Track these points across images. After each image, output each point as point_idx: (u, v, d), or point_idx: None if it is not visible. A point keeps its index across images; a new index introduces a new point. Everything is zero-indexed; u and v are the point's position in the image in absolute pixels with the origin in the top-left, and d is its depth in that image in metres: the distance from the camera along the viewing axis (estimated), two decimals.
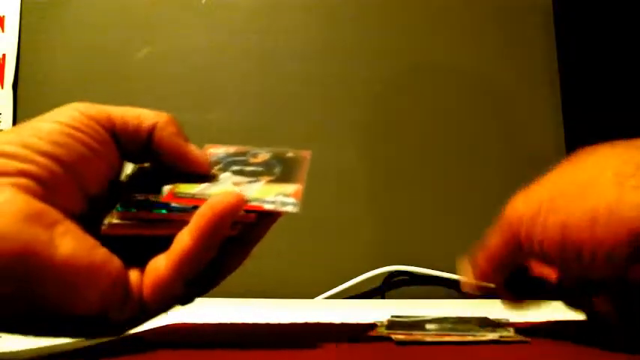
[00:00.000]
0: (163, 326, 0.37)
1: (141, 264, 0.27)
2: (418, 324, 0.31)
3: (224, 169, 0.31)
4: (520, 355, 0.24)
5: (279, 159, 0.32)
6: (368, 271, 0.75)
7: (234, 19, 0.86)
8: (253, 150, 0.33)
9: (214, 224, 0.25)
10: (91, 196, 0.27)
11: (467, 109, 0.81)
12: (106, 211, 0.27)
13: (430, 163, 0.80)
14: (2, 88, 0.87)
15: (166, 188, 0.28)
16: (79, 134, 0.26)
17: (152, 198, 0.28)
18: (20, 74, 0.88)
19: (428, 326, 0.30)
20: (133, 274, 0.26)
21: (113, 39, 0.88)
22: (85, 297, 0.24)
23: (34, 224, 0.23)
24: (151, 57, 0.87)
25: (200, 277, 0.27)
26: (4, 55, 0.88)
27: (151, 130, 0.29)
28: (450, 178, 0.79)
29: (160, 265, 0.26)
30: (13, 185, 0.23)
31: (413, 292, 0.76)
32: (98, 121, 0.27)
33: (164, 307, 0.27)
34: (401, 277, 0.78)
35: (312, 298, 0.73)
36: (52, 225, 0.23)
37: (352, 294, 0.76)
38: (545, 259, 0.27)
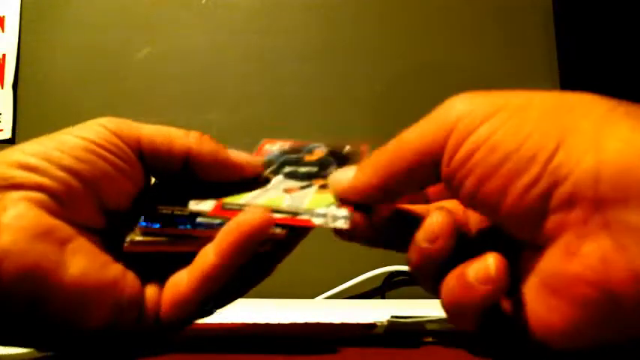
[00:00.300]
0: None
1: (160, 278, 0.26)
2: (418, 324, 0.31)
3: (277, 171, 0.29)
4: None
5: (335, 155, 0.29)
6: (368, 271, 0.75)
7: (234, 19, 0.86)
8: (309, 145, 0.31)
9: (240, 244, 0.24)
10: (112, 213, 0.26)
11: None
12: (128, 227, 0.26)
13: None
14: (2, 88, 0.87)
15: (211, 202, 0.27)
16: (102, 152, 0.25)
17: (177, 211, 0.26)
18: (20, 74, 0.88)
19: (428, 326, 0.30)
20: (151, 290, 0.25)
21: (113, 39, 0.88)
22: (93, 315, 0.23)
23: (45, 241, 0.22)
24: (151, 57, 0.87)
25: (221, 291, 0.26)
26: (4, 55, 0.88)
27: (184, 154, 0.27)
28: None
29: (181, 281, 0.25)
30: (28, 200, 0.23)
31: (413, 292, 0.76)
32: (125, 141, 0.26)
33: (182, 324, 0.26)
34: (401, 277, 0.77)
35: (312, 298, 0.73)
36: (63, 242, 0.23)
37: (352, 294, 0.76)
38: (460, 182, 0.21)
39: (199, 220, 0.26)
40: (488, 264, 0.21)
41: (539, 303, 0.20)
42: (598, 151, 0.18)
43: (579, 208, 0.19)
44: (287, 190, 0.27)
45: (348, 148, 0.30)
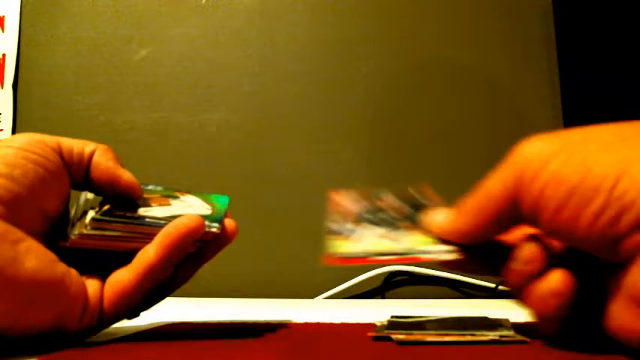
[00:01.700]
0: (162, 325, 0.37)
1: (96, 274, 0.29)
2: (418, 324, 0.31)
3: (360, 219, 0.32)
4: (519, 355, 0.24)
5: (407, 200, 0.34)
6: (368, 271, 0.75)
7: (234, 19, 0.86)
8: (375, 192, 0.35)
9: (178, 243, 0.28)
10: (49, 215, 0.29)
11: (467, 108, 0.81)
12: (62, 229, 0.30)
13: (430, 161, 0.80)
14: (2, 88, 0.87)
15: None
16: (32, 156, 0.28)
17: (129, 214, 0.30)
18: (20, 74, 0.88)
19: (428, 326, 0.30)
20: (93, 286, 0.28)
21: (113, 39, 0.88)
22: (44, 311, 0.25)
23: (0, 242, 0.24)
24: (151, 57, 0.87)
25: (158, 288, 0.29)
26: (4, 55, 0.88)
27: (90, 157, 0.31)
28: (450, 177, 0.79)
29: (123, 278, 0.28)
30: None
31: (413, 292, 0.76)
32: (48, 144, 0.29)
33: (120, 317, 0.29)
34: (401, 277, 0.78)
35: (312, 298, 0.73)
36: (15, 242, 0.25)
37: (352, 294, 0.76)
38: (538, 216, 0.24)
39: (148, 220, 0.30)
40: (554, 279, 0.24)
41: (626, 313, 0.22)
42: None
43: None
44: (382, 236, 0.30)
45: (412, 191, 0.34)
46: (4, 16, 0.89)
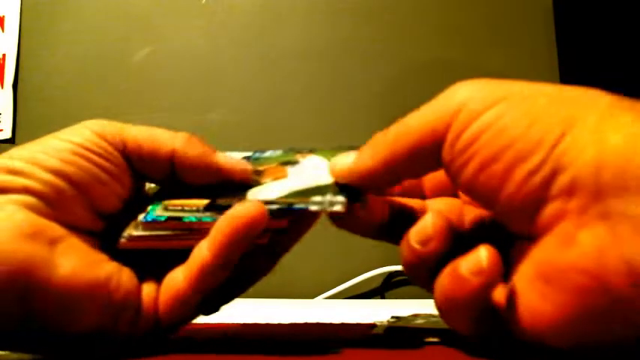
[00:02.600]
0: None
1: (158, 276, 0.26)
2: (417, 331, 0.31)
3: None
4: (519, 355, 0.24)
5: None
6: (368, 271, 0.75)
7: (234, 19, 0.86)
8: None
9: (233, 239, 0.24)
10: (105, 215, 0.26)
11: None
12: (121, 228, 0.26)
13: None
14: (2, 88, 0.87)
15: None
16: (89, 154, 0.25)
17: (186, 207, 0.26)
18: (20, 74, 0.88)
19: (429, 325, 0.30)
20: (148, 288, 0.25)
21: (113, 39, 0.88)
22: (86, 315, 0.23)
23: (33, 242, 0.23)
24: (151, 57, 0.87)
25: (222, 287, 0.26)
26: (4, 55, 0.88)
27: (170, 156, 0.27)
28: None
29: (178, 279, 0.25)
30: (15, 202, 0.23)
31: (413, 292, 0.76)
32: (110, 142, 0.26)
33: (182, 322, 0.26)
34: (401, 277, 0.78)
35: (312, 298, 0.73)
36: (53, 242, 0.23)
37: (352, 294, 0.76)
38: (461, 167, 0.21)
39: (203, 215, 0.26)
40: (479, 255, 0.21)
41: (532, 293, 0.20)
42: (601, 141, 0.18)
43: (579, 196, 0.19)
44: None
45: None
46: (4, 16, 0.89)
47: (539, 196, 0.19)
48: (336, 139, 0.82)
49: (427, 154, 0.22)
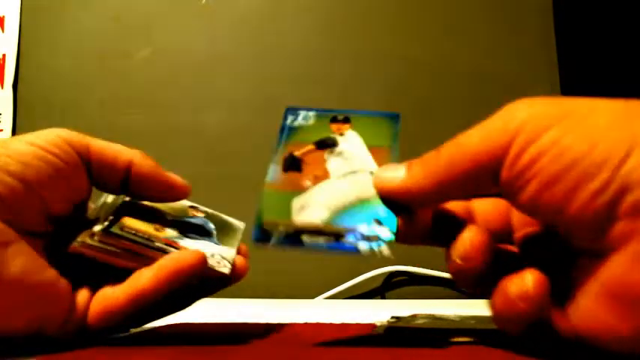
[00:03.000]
0: (162, 326, 0.37)
1: (89, 284, 0.28)
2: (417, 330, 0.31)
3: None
4: (518, 355, 0.24)
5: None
6: (368, 271, 0.75)
7: (234, 19, 0.86)
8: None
9: (175, 277, 0.27)
10: (54, 218, 0.28)
11: (467, 108, 0.81)
12: (68, 233, 0.29)
13: None
14: (2, 88, 0.87)
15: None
16: (51, 157, 0.27)
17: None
18: (20, 74, 0.88)
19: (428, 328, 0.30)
20: (81, 295, 0.28)
21: (113, 39, 0.88)
22: (27, 314, 0.25)
23: None
24: (151, 57, 0.87)
25: (145, 311, 0.29)
26: (4, 55, 0.88)
27: (128, 166, 0.30)
28: None
29: (113, 295, 0.28)
30: None
31: (413, 292, 0.76)
32: (75, 147, 0.28)
33: (106, 332, 0.29)
34: (401, 277, 0.78)
35: (312, 298, 0.73)
36: (4, 244, 0.24)
37: (352, 294, 0.76)
38: (521, 187, 0.21)
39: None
40: (525, 282, 0.21)
41: (601, 310, 0.20)
42: None
43: None
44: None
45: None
46: (4, 16, 0.89)
47: (606, 216, 0.19)
48: None
49: (484, 176, 0.22)
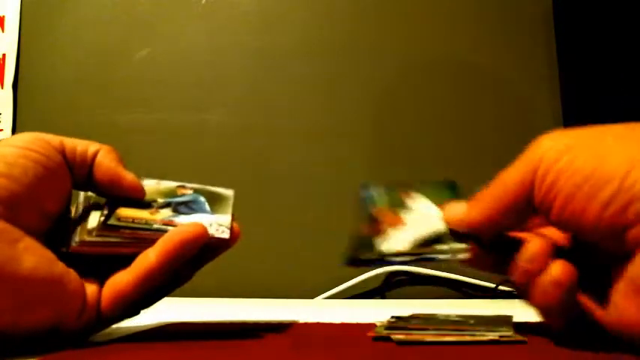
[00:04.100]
0: (163, 325, 0.37)
1: (96, 275, 0.29)
2: (418, 324, 0.31)
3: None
4: (516, 355, 0.24)
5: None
6: (368, 271, 0.75)
7: (234, 19, 0.86)
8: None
9: (180, 251, 0.28)
10: (49, 214, 0.29)
11: (466, 108, 0.81)
12: (63, 230, 0.29)
13: (430, 160, 0.80)
14: (2, 88, 0.87)
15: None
16: (33, 154, 0.28)
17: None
18: (20, 74, 0.88)
19: (428, 326, 0.30)
20: (91, 287, 0.28)
21: (113, 39, 0.88)
22: (43, 309, 0.26)
23: None
24: (151, 57, 0.87)
25: (154, 290, 0.29)
26: (4, 55, 0.88)
27: (94, 157, 0.31)
28: (449, 177, 0.79)
29: (122, 280, 0.28)
30: None
31: (413, 292, 0.76)
32: (51, 143, 0.29)
33: (119, 318, 0.30)
34: (401, 277, 0.78)
35: (312, 298, 0.73)
36: (14, 241, 0.25)
37: (352, 294, 0.76)
38: (549, 207, 0.25)
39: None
40: (555, 269, 0.25)
41: (628, 304, 0.23)
42: None
43: None
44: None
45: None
46: (4, 16, 0.89)
47: (619, 222, 0.22)
48: (337, 138, 0.82)
49: (523, 204, 0.26)
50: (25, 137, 0.29)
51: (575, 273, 0.25)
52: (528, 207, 0.26)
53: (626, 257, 0.23)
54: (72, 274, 0.27)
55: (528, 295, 0.26)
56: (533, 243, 0.26)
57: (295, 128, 0.82)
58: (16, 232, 0.26)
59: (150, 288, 0.29)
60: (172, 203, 0.33)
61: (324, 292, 0.74)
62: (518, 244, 0.27)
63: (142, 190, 0.32)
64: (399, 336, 0.28)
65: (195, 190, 0.35)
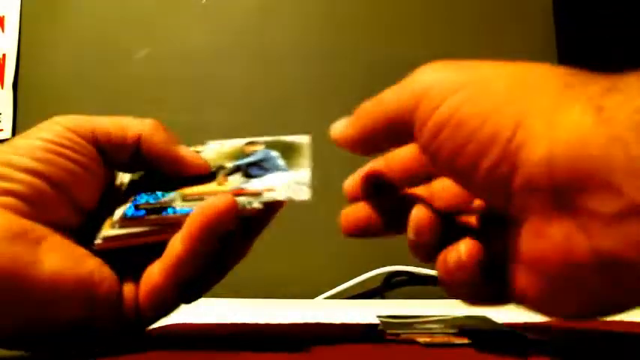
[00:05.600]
0: (162, 326, 0.37)
1: (137, 270, 0.26)
2: (409, 324, 0.31)
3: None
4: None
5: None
6: (368, 271, 0.75)
7: (234, 20, 0.86)
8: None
9: (206, 230, 0.25)
10: (83, 208, 0.27)
11: None
12: (98, 223, 0.27)
13: None
14: (2, 88, 0.87)
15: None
16: (61, 149, 0.26)
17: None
18: (20, 74, 0.88)
19: (419, 326, 0.30)
20: (128, 284, 0.26)
21: (113, 39, 0.88)
22: (71, 310, 0.24)
23: (18, 243, 0.23)
24: (151, 57, 0.87)
25: (201, 275, 0.26)
26: (4, 55, 0.88)
27: (137, 141, 0.28)
28: None
29: (154, 273, 0.26)
30: None
31: (413, 292, 0.76)
32: (81, 135, 0.27)
33: (162, 313, 0.27)
34: (401, 277, 0.78)
35: (312, 298, 0.73)
36: (37, 241, 0.24)
37: (352, 294, 0.76)
38: (434, 156, 0.22)
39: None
40: (460, 251, 0.22)
41: (517, 275, 0.21)
42: (550, 137, 0.18)
43: (539, 193, 0.19)
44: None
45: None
46: (4, 16, 0.89)
47: (504, 190, 0.20)
48: None
49: (399, 131, 0.23)
50: (54, 129, 0.26)
51: (480, 252, 0.22)
52: (406, 137, 0.23)
53: (516, 224, 0.21)
54: (105, 272, 0.25)
55: (426, 261, 0.25)
56: (416, 213, 0.24)
57: (296, 128, 0.82)
58: (39, 231, 0.24)
59: (185, 276, 0.25)
60: (242, 166, 0.29)
61: (324, 292, 0.74)
62: (409, 203, 0.25)
63: (203, 165, 0.29)
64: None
65: (267, 144, 0.31)
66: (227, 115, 0.84)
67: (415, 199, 0.25)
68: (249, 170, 0.29)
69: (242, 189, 0.27)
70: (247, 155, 0.30)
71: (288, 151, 0.30)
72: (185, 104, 0.85)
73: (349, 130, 0.26)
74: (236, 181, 0.28)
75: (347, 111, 0.28)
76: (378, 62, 0.83)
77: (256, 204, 0.26)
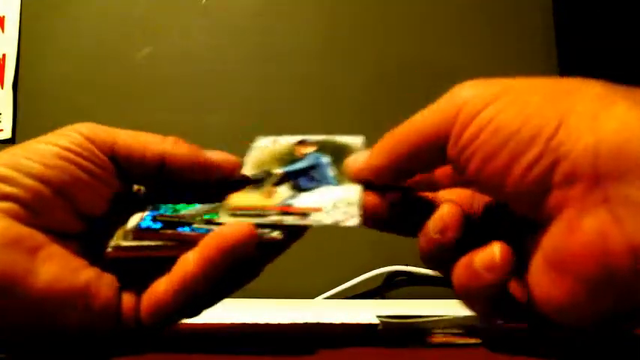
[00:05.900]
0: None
1: (140, 283, 0.26)
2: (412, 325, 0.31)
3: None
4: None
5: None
6: (368, 271, 0.75)
7: (234, 20, 0.86)
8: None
9: (222, 255, 0.24)
10: (89, 217, 0.26)
11: None
12: (107, 231, 0.27)
13: None
14: (2, 88, 0.87)
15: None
16: (75, 157, 0.26)
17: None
18: (20, 74, 0.88)
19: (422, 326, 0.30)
20: (128, 295, 0.26)
21: (113, 39, 0.88)
22: (66, 320, 0.24)
23: (14, 250, 0.23)
24: (151, 57, 0.87)
25: (207, 295, 0.26)
26: (4, 55, 0.88)
27: (158, 159, 0.27)
28: None
29: (160, 288, 0.25)
30: None
31: (413, 292, 0.76)
32: (98, 145, 0.26)
33: (164, 326, 0.26)
34: (401, 277, 0.77)
35: (312, 298, 0.73)
36: (34, 250, 0.24)
37: (352, 294, 0.76)
38: (466, 163, 0.22)
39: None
40: (493, 252, 0.22)
41: (543, 278, 0.21)
42: (596, 130, 0.19)
43: (580, 184, 0.19)
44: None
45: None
46: (4, 16, 0.89)
47: (542, 186, 0.20)
48: None
49: (432, 152, 0.24)
50: (72, 136, 0.26)
51: (513, 255, 0.22)
52: (438, 158, 0.23)
53: (542, 226, 0.21)
54: (104, 282, 0.25)
55: (440, 269, 0.24)
56: (446, 209, 0.23)
57: (296, 129, 0.82)
58: (37, 238, 0.24)
59: (192, 296, 0.25)
60: (290, 175, 0.27)
61: (324, 292, 0.74)
62: (427, 205, 0.24)
63: (233, 161, 0.28)
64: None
65: (319, 145, 0.29)
66: (227, 115, 0.84)
67: (431, 200, 0.25)
68: (299, 181, 0.27)
69: (289, 205, 0.25)
70: (297, 159, 0.28)
71: (341, 155, 0.28)
72: (185, 104, 0.85)
73: (373, 161, 0.26)
74: (284, 193, 0.26)
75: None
76: (378, 62, 0.83)
77: (276, 234, 0.25)
